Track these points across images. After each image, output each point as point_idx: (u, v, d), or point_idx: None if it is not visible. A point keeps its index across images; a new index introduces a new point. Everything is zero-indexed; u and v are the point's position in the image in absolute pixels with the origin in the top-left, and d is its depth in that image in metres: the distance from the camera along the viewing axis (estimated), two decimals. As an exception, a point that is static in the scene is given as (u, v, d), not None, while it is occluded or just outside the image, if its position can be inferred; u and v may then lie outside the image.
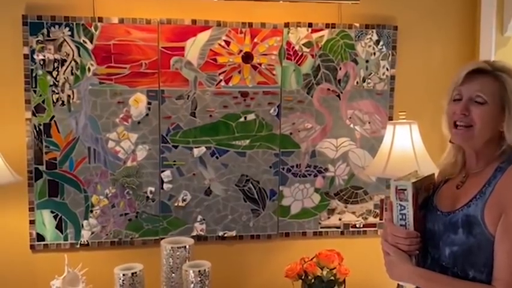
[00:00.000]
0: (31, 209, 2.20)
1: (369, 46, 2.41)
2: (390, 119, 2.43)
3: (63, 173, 2.21)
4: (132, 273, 1.97)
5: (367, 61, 2.41)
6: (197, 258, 2.10)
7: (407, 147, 2.09)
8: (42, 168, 2.19)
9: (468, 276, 1.21)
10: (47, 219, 2.21)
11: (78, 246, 2.25)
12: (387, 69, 2.43)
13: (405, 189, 1.25)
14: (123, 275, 1.96)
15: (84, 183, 2.23)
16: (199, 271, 1.97)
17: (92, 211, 2.25)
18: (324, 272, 2.13)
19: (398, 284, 2.11)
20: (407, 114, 2.15)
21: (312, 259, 2.16)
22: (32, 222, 2.20)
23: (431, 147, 2.14)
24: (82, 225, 2.24)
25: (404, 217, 1.26)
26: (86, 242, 2.25)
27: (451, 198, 1.29)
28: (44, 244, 2.22)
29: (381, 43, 2.41)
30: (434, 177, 1.40)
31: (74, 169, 2.21)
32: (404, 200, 1.25)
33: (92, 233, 2.25)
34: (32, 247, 2.21)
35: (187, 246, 2.09)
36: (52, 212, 2.21)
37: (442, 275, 1.23)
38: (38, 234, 2.21)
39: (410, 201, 1.25)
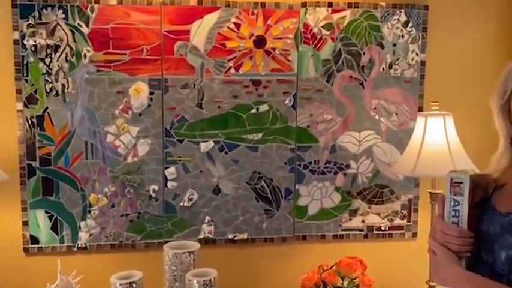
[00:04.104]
0: (24, 209, 2.07)
1: (397, 28, 2.25)
2: (420, 109, 2.27)
3: (58, 170, 2.08)
4: (130, 283, 1.79)
5: (394, 45, 2.25)
6: (204, 263, 1.96)
7: (440, 142, 1.90)
8: (36, 164, 2.06)
9: None
10: (41, 220, 2.09)
11: (75, 249, 2.12)
12: (417, 54, 2.27)
13: (461, 183, 1.15)
14: (120, 284, 1.78)
15: (81, 181, 2.10)
16: (204, 281, 1.78)
17: (89, 211, 2.12)
18: (345, 283, 1.96)
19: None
20: (439, 104, 1.98)
21: (331, 268, 1.99)
22: (25, 223, 2.08)
23: (466, 143, 1.96)
24: (79, 226, 2.12)
25: (457, 214, 1.16)
26: (84, 245, 2.13)
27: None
28: (38, 247, 2.10)
29: (410, 25, 2.25)
30: (491, 178, 1.25)
31: (69, 165, 2.09)
32: (460, 195, 1.16)
33: (90, 235, 2.13)
34: (25, 250, 2.10)
35: (192, 252, 1.92)
36: (47, 212, 2.09)
37: (495, 282, 1.10)
38: (31, 236, 2.09)
39: (466, 196, 1.15)
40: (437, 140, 1.89)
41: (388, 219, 2.32)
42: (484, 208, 1.20)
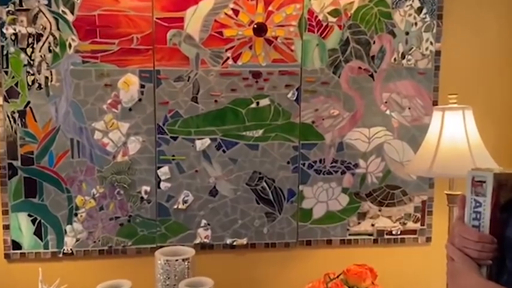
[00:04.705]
0: (5, 212, 1.94)
1: (409, 15, 2.11)
2: (435, 103, 2.13)
3: (42, 170, 1.95)
4: (117, 294, 1.65)
5: (407, 33, 2.11)
6: (200, 271, 1.83)
7: (459, 138, 1.74)
8: (17, 163, 1.93)
9: None
10: (23, 224, 1.96)
11: (60, 255, 1.98)
12: (431, 43, 2.13)
13: (484, 182, 1.05)
14: (106, 295, 1.64)
15: (66, 182, 1.97)
16: (198, 292, 1.63)
17: (76, 214, 1.99)
18: (354, 293, 1.79)
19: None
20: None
21: (338, 276, 1.83)
22: (6, 227, 1.95)
23: (484, 139, 1.82)
24: (65, 231, 1.98)
25: (478, 216, 1.07)
26: (70, 251, 1.99)
27: None
28: (20, 253, 1.96)
29: (424, 11, 2.11)
30: None
31: (54, 165, 1.95)
32: (482, 195, 1.06)
33: (77, 240, 2.00)
34: (6, 256, 1.96)
35: (186, 259, 1.78)
36: (30, 216, 1.96)
37: None
38: (13, 241, 1.96)
39: (489, 196, 1.05)
40: (455, 136, 1.73)
41: (400, 223, 2.18)
42: (511, 211, 1.07)
